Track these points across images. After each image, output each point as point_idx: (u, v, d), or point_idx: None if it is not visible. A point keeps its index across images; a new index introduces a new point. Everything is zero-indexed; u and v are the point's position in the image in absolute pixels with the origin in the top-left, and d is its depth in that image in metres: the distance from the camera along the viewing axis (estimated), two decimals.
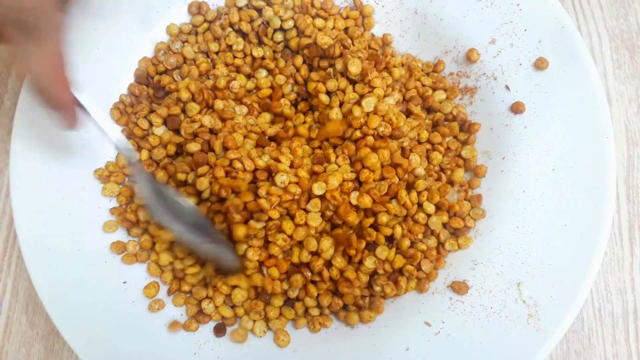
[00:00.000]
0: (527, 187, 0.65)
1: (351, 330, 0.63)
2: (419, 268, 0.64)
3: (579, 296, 0.57)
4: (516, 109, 0.68)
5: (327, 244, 0.61)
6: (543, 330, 0.57)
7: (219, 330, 0.62)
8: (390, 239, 0.63)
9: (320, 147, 0.66)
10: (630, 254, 0.73)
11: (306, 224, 0.60)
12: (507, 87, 0.69)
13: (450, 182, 0.68)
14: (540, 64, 0.67)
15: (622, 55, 0.82)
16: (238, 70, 0.72)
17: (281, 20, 0.72)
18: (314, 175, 0.62)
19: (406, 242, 0.63)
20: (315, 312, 0.63)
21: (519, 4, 0.69)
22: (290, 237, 0.61)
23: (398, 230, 0.62)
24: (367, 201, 0.61)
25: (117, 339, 0.59)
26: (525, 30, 0.68)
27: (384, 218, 0.61)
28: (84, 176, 0.66)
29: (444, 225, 0.66)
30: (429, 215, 0.65)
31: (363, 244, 0.62)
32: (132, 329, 0.60)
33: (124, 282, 0.62)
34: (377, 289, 0.63)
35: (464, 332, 0.59)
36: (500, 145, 0.68)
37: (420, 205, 0.65)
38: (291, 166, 0.62)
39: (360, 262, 0.62)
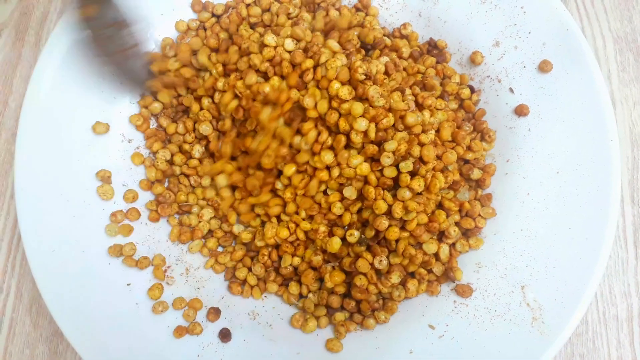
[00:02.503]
0: (532, 189, 0.65)
1: (354, 333, 0.63)
2: (430, 270, 0.64)
3: (584, 299, 0.57)
4: (520, 111, 0.68)
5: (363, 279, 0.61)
6: (547, 333, 0.57)
7: (225, 335, 0.62)
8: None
9: None
10: (635, 257, 0.72)
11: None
12: (511, 90, 0.69)
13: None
14: (544, 67, 0.67)
15: (626, 57, 0.82)
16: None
17: (289, 18, 0.72)
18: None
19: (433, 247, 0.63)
20: (340, 317, 0.64)
21: (523, 6, 0.69)
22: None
23: (432, 246, 0.63)
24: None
25: (120, 341, 0.59)
26: (530, 32, 0.68)
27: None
28: (87, 178, 0.66)
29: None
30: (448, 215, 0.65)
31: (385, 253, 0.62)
32: (135, 331, 0.60)
33: (128, 284, 0.62)
34: (386, 290, 0.62)
35: (468, 335, 0.59)
36: (504, 148, 0.68)
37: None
38: None
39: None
